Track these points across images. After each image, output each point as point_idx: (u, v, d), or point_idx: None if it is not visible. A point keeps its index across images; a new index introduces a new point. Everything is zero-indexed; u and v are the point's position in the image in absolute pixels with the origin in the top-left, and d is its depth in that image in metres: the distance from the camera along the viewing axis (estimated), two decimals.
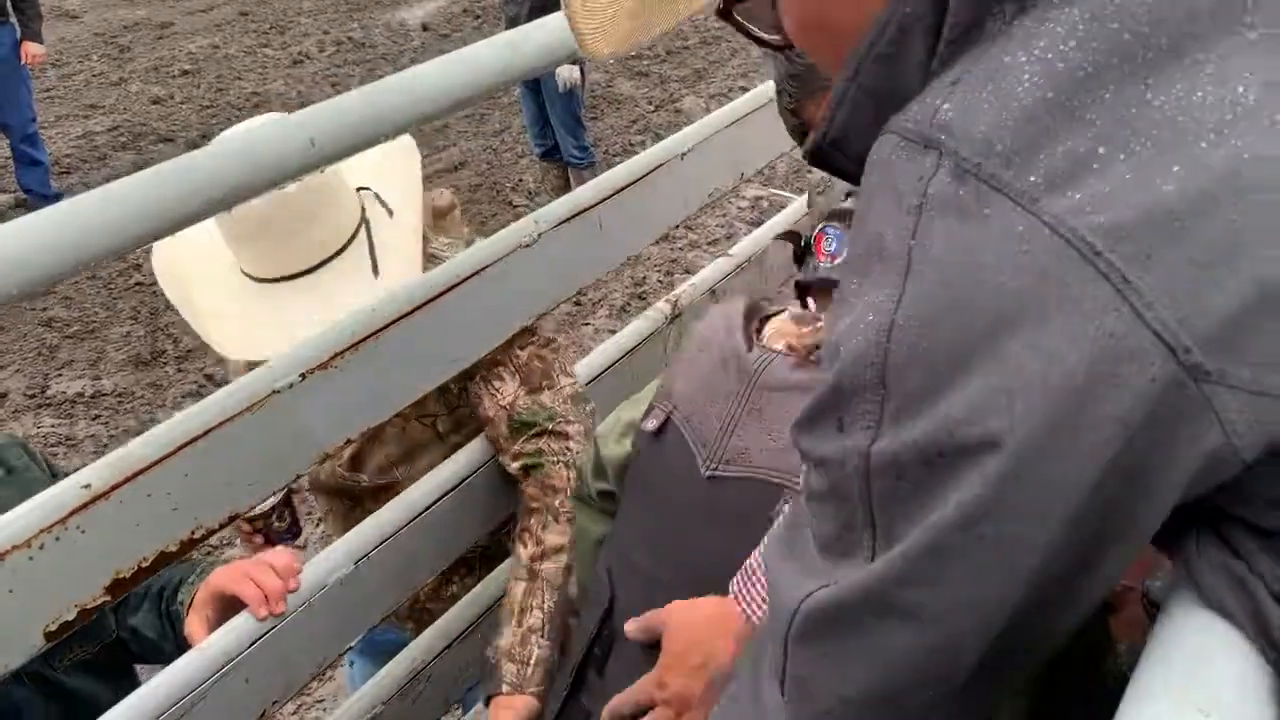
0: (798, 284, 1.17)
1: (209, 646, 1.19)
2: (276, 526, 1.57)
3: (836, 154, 0.68)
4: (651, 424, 1.19)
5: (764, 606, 0.98)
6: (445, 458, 1.51)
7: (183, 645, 1.24)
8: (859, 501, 0.60)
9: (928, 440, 0.56)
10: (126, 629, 1.47)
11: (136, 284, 5.23)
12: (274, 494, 1.51)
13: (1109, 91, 0.54)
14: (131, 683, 1.42)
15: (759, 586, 1.00)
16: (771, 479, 1.07)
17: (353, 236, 1.44)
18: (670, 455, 1.16)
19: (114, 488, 1.02)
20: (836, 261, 1.12)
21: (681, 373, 1.21)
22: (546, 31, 1.25)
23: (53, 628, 1.01)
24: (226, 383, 1.67)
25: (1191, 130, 0.52)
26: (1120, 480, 0.54)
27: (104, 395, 4.42)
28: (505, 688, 1.34)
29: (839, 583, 0.62)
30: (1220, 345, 0.51)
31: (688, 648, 1.04)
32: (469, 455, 1.47)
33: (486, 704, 1.35)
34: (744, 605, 1.01)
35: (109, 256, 0.92)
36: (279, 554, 1.27)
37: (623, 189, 1.54)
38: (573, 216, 1.47)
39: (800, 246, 1.21)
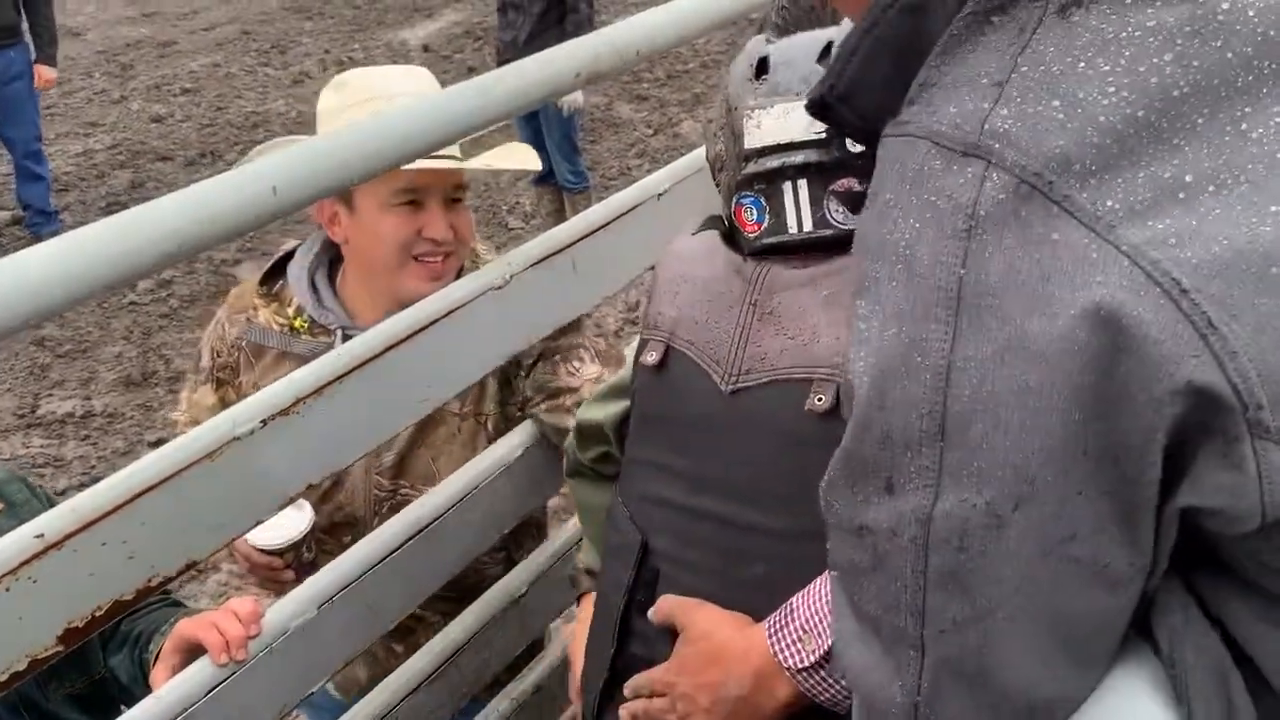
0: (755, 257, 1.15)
1: (165, 694, 1.18)
2: (306, 558, 1.56)
3: (843, 108, 0.62)
4: (652, 357, 1.15)
5: (795, 650, 0.98)
6: None
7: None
8: (911, 577, 0.54)
9: (1001, 496, 0.51)
10: (108, 668, 1.47)
11: (130, 303, 5.23)
12: (299, 531, 1.52)
13: (1202, 117, 0.49)
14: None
15: (792, 628, 0.99)
16: (795, 375, 1.04)
17: None
18: (680, 382, 1.13)
19: (67, 537, 1.01)
20: (763, 229, 1.11)
21: (668, 301, 1.18)
22: (519, 75, 1.25)
23: (3, 678, 1.00)
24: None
25: None
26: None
27: (94, 415, 4.42)
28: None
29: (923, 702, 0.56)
30: None
31: (702, 661, 1.03)
32: (435, 500, 1.46)
33: (578, 602, 1.38)
34: (777, 647, 1.00)
35: (64, 308, 0.92)
36: (243, 601, 1.26)
37: (597, 230, 1.53)
38: (546, 258, 1.46)
39: (726, 228, 1.19)
